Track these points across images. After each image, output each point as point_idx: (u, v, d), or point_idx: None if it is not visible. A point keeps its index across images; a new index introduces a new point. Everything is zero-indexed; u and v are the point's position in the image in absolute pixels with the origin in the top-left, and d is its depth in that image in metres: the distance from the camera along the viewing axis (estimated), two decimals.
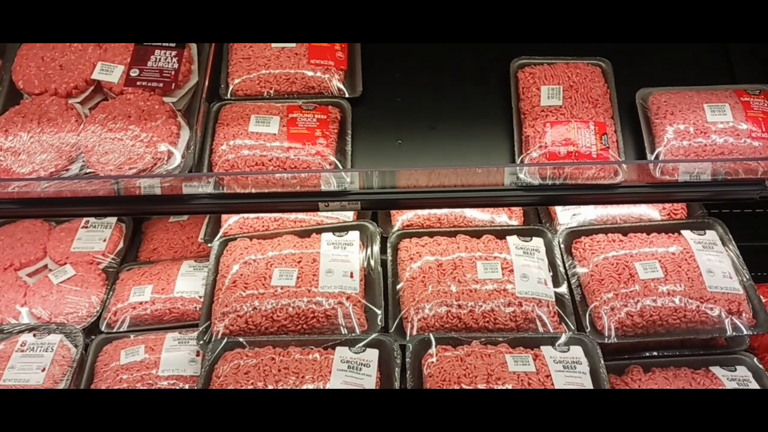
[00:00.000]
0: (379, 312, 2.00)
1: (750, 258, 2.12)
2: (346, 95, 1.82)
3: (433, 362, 1.83)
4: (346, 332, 1.94)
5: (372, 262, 2.12)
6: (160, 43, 1.79)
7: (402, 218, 2.28)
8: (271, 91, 1.82)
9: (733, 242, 2.14)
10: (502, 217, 2.29)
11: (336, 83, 1.82)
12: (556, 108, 1.72)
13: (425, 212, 2.26)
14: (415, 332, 1.94)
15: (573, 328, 1.97)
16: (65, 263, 2.36)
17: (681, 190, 1.65)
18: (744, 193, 1.65)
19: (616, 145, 1.68)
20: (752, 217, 2.58)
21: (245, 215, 2.28)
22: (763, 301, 2.00)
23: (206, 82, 1.80)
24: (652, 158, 1.67)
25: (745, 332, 1.93)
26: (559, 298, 2.03)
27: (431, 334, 1.90)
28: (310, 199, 1.64)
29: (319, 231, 2.18)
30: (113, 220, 2.47)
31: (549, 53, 1.84)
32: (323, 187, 1.62)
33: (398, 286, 2.07)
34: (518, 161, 1.69)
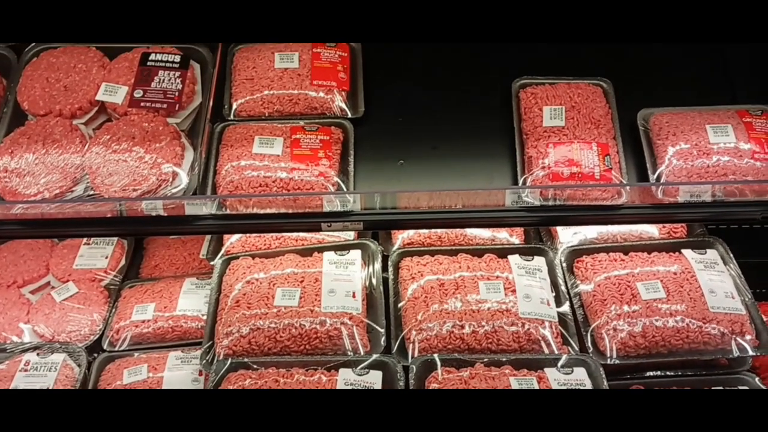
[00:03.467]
0: (382, 331, 2.00)
1: (750, 275, 2.11)
2: (349, 115, 1.83)
3: (437, 386, 1.82)
4: (350, 353, 1.94)
5: (374, 281, 2.12)
6: (163, 64, 1.80)
7: (402, 236, 2.28)
8: (274, 112, 1.83)
9: (734, 261, 2.13)
10: (502, 234, 2.29)
11: (339, 103, 1.83)
12: (559, 128, 1.72)
13: (426, 231, 2.26)
14: (417, 353, 1.94)
15: (576, 349, 1.96)
16: (68, 280, 2.35)
17: (683, 211, 1.65)
18: (747, 213, 1.66)
19: (619, 166, 1.69)
20: (751, 233, 2.56)
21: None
22: (765, 320, 1.99)
23: (210, 103, 1.80)
24: (654, 179, 1.68)
25: (749, 353, 1.91)
26: (561, 317, 2.03)
27: (435, 356, 1.89)
28: (312, 220, 1.65)
29: (321, 250, 2.18)
30: None
31: (549, 73, 1.84)
32: (326, 208, 1.63)
33: (400, 305, 2.07)
34: (521, 182, 1.69)
